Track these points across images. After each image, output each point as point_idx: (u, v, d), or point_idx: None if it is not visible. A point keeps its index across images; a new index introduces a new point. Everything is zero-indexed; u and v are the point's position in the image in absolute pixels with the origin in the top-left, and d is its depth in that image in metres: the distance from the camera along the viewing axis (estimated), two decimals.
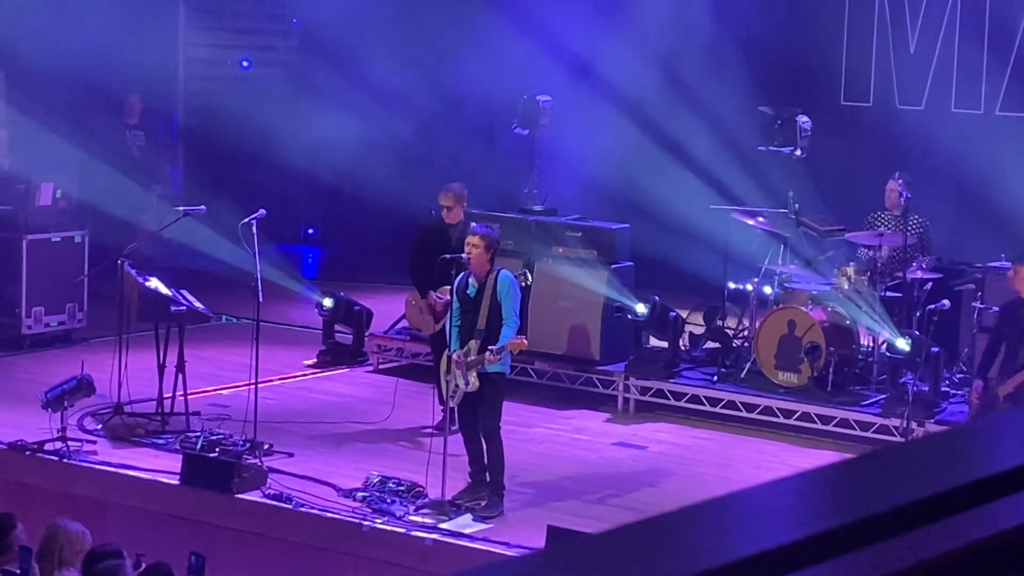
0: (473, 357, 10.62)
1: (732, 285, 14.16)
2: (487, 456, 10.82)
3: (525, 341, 10.73)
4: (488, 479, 10.83)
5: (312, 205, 19.41)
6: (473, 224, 11.16)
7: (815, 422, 12.66)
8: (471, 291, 10.78)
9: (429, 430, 12.04)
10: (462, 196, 12.46)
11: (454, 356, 10.74)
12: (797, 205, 13.69)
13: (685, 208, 15.21)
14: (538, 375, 13.67)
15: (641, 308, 13.36)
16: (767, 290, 13.55)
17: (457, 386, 10.71)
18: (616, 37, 16.88)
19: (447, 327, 11.05)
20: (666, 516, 1.73)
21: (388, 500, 10.70)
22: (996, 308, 11.98)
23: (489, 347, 10.55)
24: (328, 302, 14.61)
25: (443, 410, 11.30)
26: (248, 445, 11.43)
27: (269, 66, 19.26)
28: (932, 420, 12.11)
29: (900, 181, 13.27)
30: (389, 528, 10.43)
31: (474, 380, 10.64)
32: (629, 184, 16.18)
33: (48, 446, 11.63)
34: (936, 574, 1.68)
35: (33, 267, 14.71)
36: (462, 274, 10.85)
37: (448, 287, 12.10)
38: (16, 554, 8.53)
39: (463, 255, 10.80)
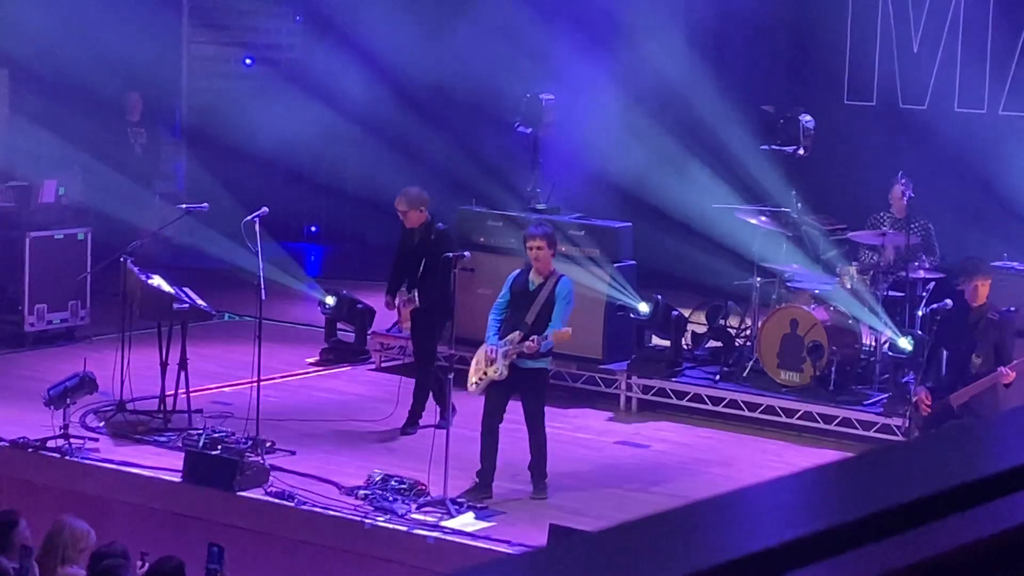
0: (511, 347, 10.74)
1: (734, 284, 14.15)
2: (535, 445, 11.03)
3: (569, 331, 10.86)
4: (537, 467, 11.06)
5: (315, 203, 19.40)
6: (531, 227, 11.38)
7: (817, 421, 12.66)
8: (531, 286, 10.96)
9: (431, 427, 12.05)
10: (415, 201, 12.42)
11: (487, 349, 10.84)
12: (800, 204, 13.69)
13: (688, 207, 15.20)
14: None
15: (644, 307, 13.35)
16: (769, 289, 13.54)
17: (485, 374, 10.80)
18: (619, 36, 16.87)
19: (490, 320, 11.11)
20: (667, 514, 1.73)
21: (390, 498, 10.70)
22: (940, 306, 11.67)
23: (533, 335, 10.67)
24: (330, 300, 14.61)
25: (441, 407, 11.34)
26: (250, 443, 11.43)
27: (272, 64, 19.26)
28: None
29: (904, 181, 13.26)
30: (391, 526, 10.43)
31: (505, 369, 10.74)
32: (632, 183, 16.17)
33: (50, 443, 11.63)
34: (938, 572, 1.68)
35: (36, 264, 14.71)
36: (519, 271, 11.06)
37: (405, 288, 12.27)
38: (17, 552, 8.53)
39: (465, 253, 10.87)
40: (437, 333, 12.42)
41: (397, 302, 12.46)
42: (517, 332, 10.83)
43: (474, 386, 10.98)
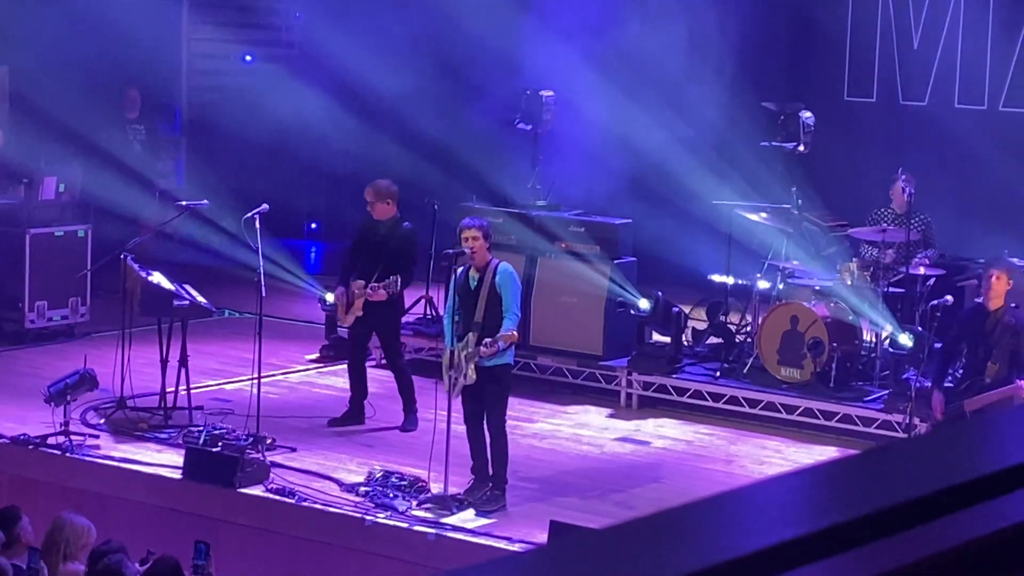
0: (470, 350, 10.63)
1: (735, 281, 14.15)
2: (491, 450, 10.81)
3: (516, 334, 10.68)
4: (491, 473, 10.83)
5: (315, 200, 19.40)
6: (466, 219, 11.18)
7: (818, 418, 12.66)
8: (472, 283, 10.80)
9: (431, 423, 12.04)
10: (384, 193, 12.46)
11: (452, 353, 10.73)
12: (800, 201, 13.70)
13: (688, 203, 15.20)
14: (541, 370, 13.67)
15: (644, 303, 13.35)
16: (769, 286, 13.54)
17: (457, 380, 10.71)
18: (619, 32, 16.86)
19: (444, 322, 11.05)
20: (668, 512, 1.73)
21: (390, 495, 10.70)
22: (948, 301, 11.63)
23: (485, 340, 10.55)
24: (331, 297, 14.58)
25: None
26: (250, 440, 11.43)
27: (272, 61, 19.25)
28: None
29: (904, 177, 13.27)
30: (391, 523, 10.43)
31: (472, 373, 10.64)
32: (633, 180, 16.17)
33: (51, 440, 11.64)
34: (939, 571, 1.68)
35: (36, 261, 14.71)
36: (461, 269, 10.86)
37: (362, 281, 12.20)
38: (24, 547, 8.56)
39: (466, 249, 10.81)
40: (398, 328, 12.68)
41: (350, 293, 12.37)
42: (472, 334, 10.69)
43: (449, 391, 10.85)
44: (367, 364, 14.44)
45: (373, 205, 12.47)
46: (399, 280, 12.02)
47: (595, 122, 16.40)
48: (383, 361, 14.44)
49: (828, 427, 12.60)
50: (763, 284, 13.61)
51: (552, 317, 13.56)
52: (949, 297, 12.48)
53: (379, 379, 14.00)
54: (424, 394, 12.65)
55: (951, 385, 11.36)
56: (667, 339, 13.63)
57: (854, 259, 13.20)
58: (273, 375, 13.64)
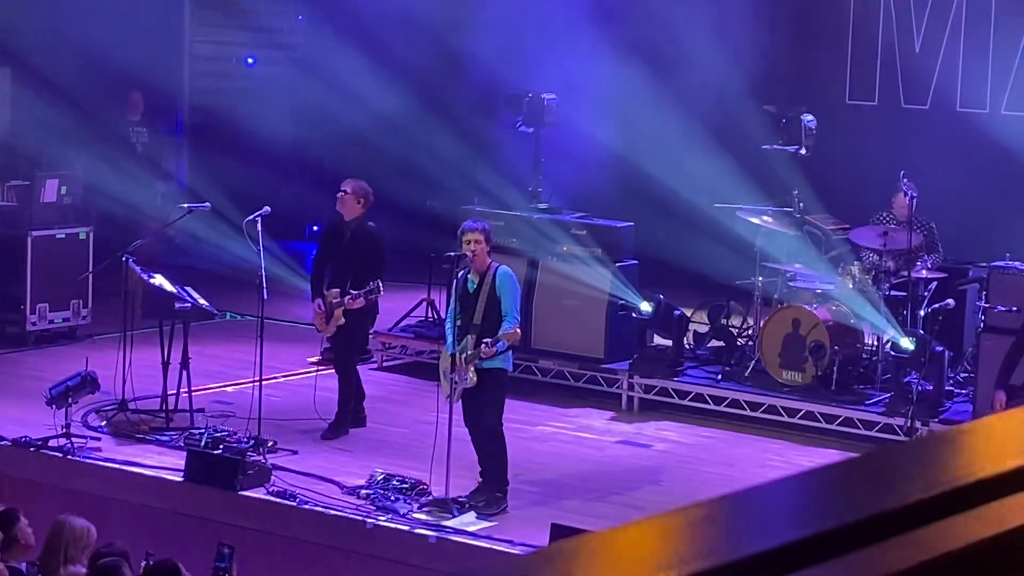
0: (469, 352, 10.62)
1: (736, 283, 14.14)
2: (489, 453, 10.81)
3: (518, 331, 10.68)
4: (491, 476, 10.82)
5: (317, 202, 19.39)
6: (468, 221, 11.14)
7: (819, 421, 12.66)
8: (471, 286, 10.79)
9: (431, 426, 12.03)
10: (359, 191, 12.36)
11: (451, 357, 10.72)
12: (802, 204, 13.69)
13: (690, 206, 15.20)
14: (542, 373, 13.67)
15: (645, 306, 13.35)
16: (771, 289, 13.53)
17: (457, 384, 10.70)
18: (620, 33, 16.86)
19: (445, 326, 11.03)
20: (669, 515, 1.73)
21: (392, 498, 10.71)
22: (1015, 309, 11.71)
23: (484, 340, 10.55)
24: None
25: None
26: (252, 442, 11.44)
27: (274, 63, 19.26)
28: (936, 419, 12.10)
29: (906, 181, 13.25)
30: (393, 526, 10.43)
31: (472, 375, 10.64)
32: (634, 182, 16.16)
33: (52, 443, 11.64)
34: (939, 574, 1.68)
35: (38, 264, 14.72)
36: (461, 272, 10.84)
37: (336, 290, 12.11)
38: (23, 548, 8.56)
39: (467, 252, 10.79)
40: (366, 337, 12.62)
41: (328, 304, 12.15)
42: (470, 336, 10.68)
43: (448, 397, 10.83)
44: (369, 367, 14.49)
45: (344, 198, 12.29)
46: (381, 285, 11.93)
47: (597, 125, 16.40)
48: (385, 363, 14.46)
49: (829, 430, 12.60)
50: (766, 287, 13.61)
51: (554, 320, 13.56)
52: (951, 300, 12.49)
53: (380, 381, 14.02)
54: (425, 397, 12.66)
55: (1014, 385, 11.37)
56: (668, 342, 13.63)
57: (856, 262, 13.19)
58: (274, 377, 13.63)
